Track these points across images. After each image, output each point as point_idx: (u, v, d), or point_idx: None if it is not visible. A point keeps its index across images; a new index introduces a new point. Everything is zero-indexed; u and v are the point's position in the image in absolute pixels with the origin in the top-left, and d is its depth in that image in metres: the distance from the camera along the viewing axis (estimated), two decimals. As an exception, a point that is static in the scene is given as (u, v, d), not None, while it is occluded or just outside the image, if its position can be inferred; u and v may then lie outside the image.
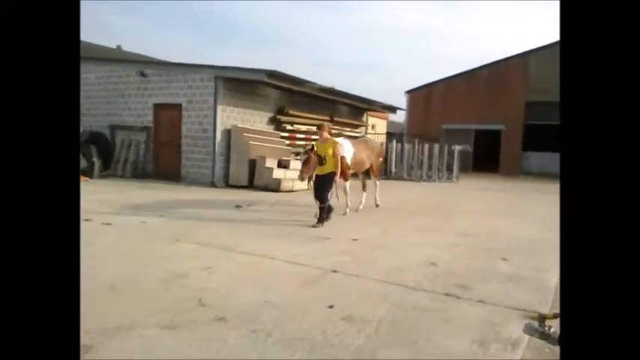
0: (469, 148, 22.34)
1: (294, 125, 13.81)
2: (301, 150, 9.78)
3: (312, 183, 7.07)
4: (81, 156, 12.10)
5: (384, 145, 17.44)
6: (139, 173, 12.56)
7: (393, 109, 19.72)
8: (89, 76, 13.70)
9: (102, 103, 13.43)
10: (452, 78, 25.10)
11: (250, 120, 12.47)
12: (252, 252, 4.98)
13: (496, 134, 23.35)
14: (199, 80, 11.69)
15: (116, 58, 17.25)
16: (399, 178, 16.57)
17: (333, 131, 14.99)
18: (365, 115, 19.38)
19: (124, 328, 2.90)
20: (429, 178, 16.52)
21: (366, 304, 3.47)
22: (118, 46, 23.59)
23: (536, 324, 2.40)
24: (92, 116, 13.46)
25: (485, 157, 23.51)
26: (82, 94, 13.81)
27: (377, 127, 26.22)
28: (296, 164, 10.25)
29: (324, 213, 6.69)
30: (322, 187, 6.78)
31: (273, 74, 11.10)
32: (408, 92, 26.12)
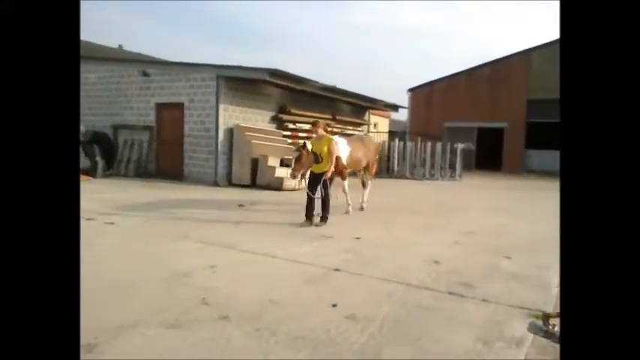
0: (472, 146, 22.30)
1: (296, 124, 13.80)
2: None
3: (305, 181, 6.92)
4: (84, 156, 12.15)
5: (387, 144, 17.44)
6: (142, 172, 12.58)
7: (395, 108, 19.70)
8: (91, 75, 13.73)
9: (104, 102, 13.46)
10: (454, 76, 25.05)
11: (252, 119, 12.48)
12: (255, 250, 4.99)
13: (499, 132, 23.29)
14: (201, 79, 11.69)
15: (118, 57, 17.26)
16: (401, 176, 16.55)
17: (336, 130, 15.04)
18: (367, 113, 19.35)
19: (128, 326, 2.90)
20: (432, 177, 16.49)
21: (369, 303, 3.47)
22: (120, 46, 23.63)
23: (540, 323, 2.41)
24: (95, 116, 13.49)
25: (488, 155, 23.46)
26: (84, 93, 13.85)
27: (379, 125, 26.16)
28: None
29: (312, 207, 6.51)
30: (315, 183, 6.63)
31: (275, 73, 11.09)
32: (410, 90, 26.08)
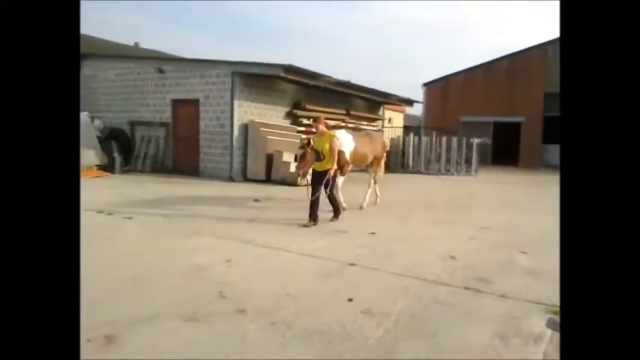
0: (488, 140, 22.05)
1: (311, 119, 13.78)
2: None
3: (307, 179, 6.59)
4: (102, 152, 12.35)
5: (401, 139, 17.33)
6: (159, 168, 12.74)
7: (409, 102, 19.56)
8: (108, 73, 13.93)
9: (121, 99, 13.64)
10: (470, 70, 24.72)
11: (267, 115, 12.52)
12: (271, 245, 5.02)
13: (516, 127, 22.95)
14: (216, 76, 11.77)
15: (134, 55, 17.46)
16: (416, 171, 16.45)
17: (350, 125, 15.01)
18: (382, 108, 19.26)
19: (148, 319, 2.96)
20: (448, 172, 16.35)
21: (384, 298, 3.47)
22: (136, 43, 23.89)
23: (559, 319, 2.38)
24: (112, 112, 13.69)
25: (505, 150, 23.15)
26: (102, 91, 14.08)
27: (394, 120, 26.02)
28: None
29: (316, 207, 6.26)
30: (317, 182, 6.33)
31: (289, 69, 11.10)
32: (425, 85, 25.84)
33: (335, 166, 6.36)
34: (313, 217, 6.24)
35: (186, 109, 12.40)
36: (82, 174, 11.30)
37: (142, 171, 12.70)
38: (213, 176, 11.83)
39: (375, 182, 8.33)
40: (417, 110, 26.98)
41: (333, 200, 6.52)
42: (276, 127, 12.20)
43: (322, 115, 7.14)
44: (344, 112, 15.46)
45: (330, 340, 2.74)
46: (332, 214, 6.53)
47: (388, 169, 16.87)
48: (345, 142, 7.14)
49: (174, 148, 12.80)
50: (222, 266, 4.20)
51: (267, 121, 12.21)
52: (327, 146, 6.29)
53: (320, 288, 3.71)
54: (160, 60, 14.18)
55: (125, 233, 5.48)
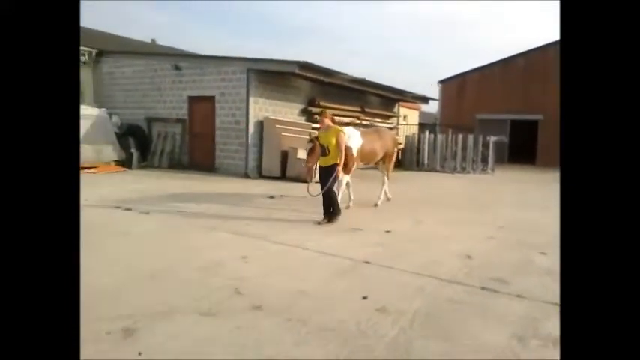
0: (505, 139, 21.76)
1: (325, 116, 13.78)
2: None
3: (316, 174, 6.49)
4: (120, 148, 12.52)
5: (417, 136, 17.21)
6: (175, 164, 12.87)
7: (425, 100, 19.41)
8: (126, 70, 14.10)
9: (139, 96, 13.80)
10: (487, 67, 24.43)
11: (282, 111, 12.55)
12: (286, 242, 5.04)
13: (533, 125, 22.61)
14: (232, 73, 11.82)
15: (151, 52, 17.63)
16: (431, 169, 16.32)
17: (365, 122, 14.95)
18: (397, 105, 19.15)
19: (165, 313, 3.00)
20: (463, 170, 16.19)
21: (400, 296, 3.46)
22: (153, 40, 24.10)
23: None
24: (129, 109, 13.86)
25: (522, 149, 22.83)
26: (120, 87, 14.25)
27: (409, 117, 25.87)
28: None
29: (335, 205, 6.18)
30: (325, 178, 6.18)
31: (304, 65, 11.10)
32: (441, 82, 25.62)
33: (342, 162, 6.15)
34: (329, 214, 6.16)
35: (202, 106, 12.50)
36: (100, 169, 11.52)
37: (159, 167, 12.86)
38: (229, 173, 11.91)
39: (388, 179, 8.23)
40: (433, 108, 26.78)
41: (333, 200, 6.18)
42: (291, 124, 12.22)
43: (328, 110, 6.87)
44: (359, 109, 15.42)
45: (346, 337, 2.74)
46: (330, 218, 6.15)
47: (403, 167, 16.83)
48: (353, 138, 7.01)
49: (191, 144, 12.92)
50: (237, 262, 4.23)
51: (282, 118, 12.24)
52: (333, 141, 6.13)
53: (335, 285, 3.71)
54: (177, 57, 14.30)
55: (142, 229, 5.55)
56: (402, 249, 4.94)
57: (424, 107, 25.92)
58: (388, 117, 17.93)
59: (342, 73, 12.66)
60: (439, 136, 16.82)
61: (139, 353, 2.47)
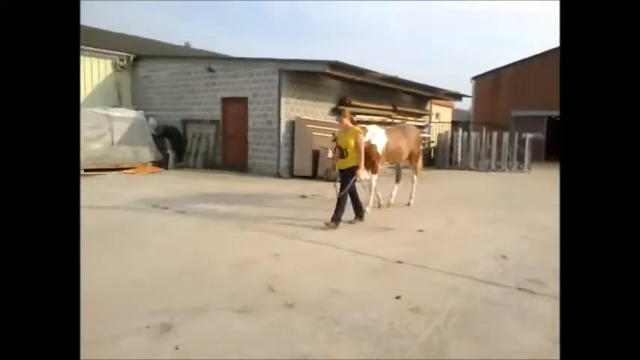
0: (541, 136, 21.10)
1: (357, 115, 13.74)
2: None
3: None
4: (156, 149, 12.90)
5: (449, 134, 16.92)
6: (209, 164, 13.14)
7: (458, 97, 19.05)
8: (161, 73, 14.50)
9: (174, 98, 14.16)
10: (522, 62, 23.74)
11: (313, 111, 12.60)
12: (318, 240, 5.07)
13: (572, 121, 21.78)
14: (264, 74, 11.97)
15: (185, 55, 18.05)
16: (465, 168, 16.02)
17: (396, 121, 14.82)
18: (429, 103, 18.89)
19: (201, 309, 3.08)
20: (498, 168, 15.81)
21: (433, 296, 3.42)
22: (186, 44, 24.66)
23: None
24: (166, 111, 14.25)
25: (560, 146, 21.97)
26: (156, 90, 14.67)
27: (441, 115, 25.45)
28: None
29: (358, 203, 6.04)
30: (345, 180, 5.93)
31: (335, 65, 11.11)
32: (475, 78, 25.08)
33: (362, 165, 5.86)
34: (359, 214, 6.11)
35: (235, 107, 12.71)
36: (137, 170, 11.90)
37: (194, 167, 13.16)
38: (261, 172, 12.06)
39: (398, 181, 7.91)
40: (466, 105, 26.26)
41: (340, 203, 5.86)
42: (322, 124, 12.25)
43: (347, 109, 6.67)
44: (390, 107, 15.30)
45: (379, 336, 2.74)
46: (332, 219, 5.84)
47: (436, 165, 16.59)
48: (377, 136, 6.83)
49: (224, 145, 13.16)
50: (270, 260, 4.29)
51: (313, 118, 12.29)
52: (351, 142, 5.86)
53: (367, 285, 3.71)
54: (210, 59, 14.58)
55: (179, 227, 5.70)
56: (435, 248, 4.88)
57: (457, 104, 25.45)
58: (420, 115, 17.71)
59: (373, 72, 12.60)
60: (472, 134, 16.48)
61: (176, 347, 2.55)
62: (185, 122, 13.86)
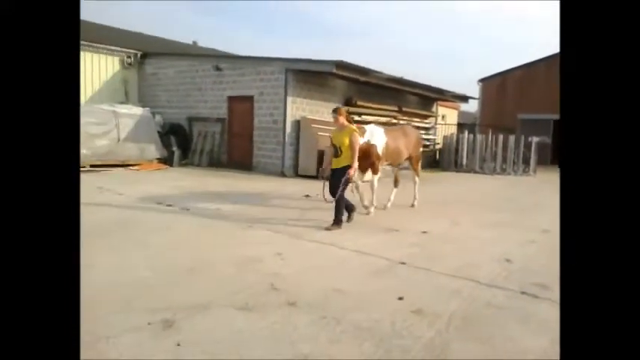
0: (547, 139, 20.97)
1: (362, 116, 13.74)
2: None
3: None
4: (162, 146, 12.94)
5: (455, 136, 16.87)
6: (215, 162, 13.17)
7: (464, 99, 19.00)
8: (169, 71, 14.55)
9: (181, 96, 14.21)
10: (529, 65, 23.60)
11: (318, 111, 12.60)
12: (321, 240, 5.07)
13: (579, 125, 21.64)
14: (270, 73, 11.98)
15: (193, 53, 18.11)
16: (470, 170, 15.96)
17: (402, 122, 14.79)
18: (435, 105, 18.84)
19: (203, 306, 3.08)
20: (504, 171, 15.74)
21: (436, 298, 3.41)
22: (194, 42, 24.72)
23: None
24: (172, 108, 14.30)
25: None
26: (162, 87, 14.71)
27: (447, 117, 25.37)
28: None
29: (340, 212, 5.73)
30: (336, 181, 5.73)
31: (341, 65, 11.11)
32: (481, 81, 24.97)
33: (356, 165, 5.68)
34: (337, 219, 5.71)
35: (241, 106, 12.73)
36: (143, 167, 11.94)
37: (199, 165, 13.19)
38: (266, 171, 12.08)
39: (396, 185, 7.69)
40: (473, 107, 26.16)
41: (339, 205, 5.72)
42: (327, 124, 12.23)
43: (342, 108, 6.44)
44: (396, 108, 15.27)
45: (381, 337, 2.73)
46: (334, 222, 5.71)
47: (441, 167, 16.55)
48: (377, 136, 6.67)
49: (229, 143, 13.18)
50: (273, 259, 4.28)
51: (318, 118, 12.29)
52: (346, 141, 5.69)
53: (370, 285, 3.70)
54: (217, 58, 14.61)
55: (183, 224, 5.72)
56: (439, 250, 4.86)
57: (463, 106, 25.36)
58: (426, 116, 17.67)
59: (379, 72, 12.58)
60: (478, 136, 16.41)
61: (178, 344, 2.56)
62: (191, 120, 13.90)
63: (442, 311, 3.14)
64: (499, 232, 6.00)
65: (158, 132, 13.16)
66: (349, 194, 6.12)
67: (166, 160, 12.83)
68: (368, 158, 6.53)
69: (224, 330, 2.77)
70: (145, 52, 15.28)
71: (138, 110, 12.96)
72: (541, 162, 17.39)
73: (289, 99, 11.73)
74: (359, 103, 13.58)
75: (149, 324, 2.79)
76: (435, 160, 17.64)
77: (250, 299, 3.24)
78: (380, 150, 6.67)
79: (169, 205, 6.80)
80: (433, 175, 14.15)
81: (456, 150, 16.59)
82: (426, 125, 17.48)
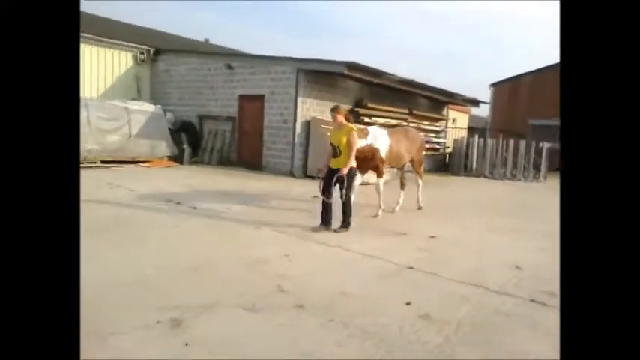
0: (558, 146, 20.77)
1: (372, 118, 13.71)
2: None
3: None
4: (173, 143, 13.02)
5: (465, 140, 16.77)
6: (224, 161, 13.21)
7: (475, 103, 18.87)
8: (180, 68, 14.62)
9: (192, 94, 14.27)
10: (542, 70, 23.34)
11: (329, 112, 12.57)
12: (328, 242, 5.06)
13: (591, 131, 21.41)
14: (281, 72, 11.99)
15: (205, 51, 18.18)
16: (479, 175, 15.84)
17: (412, 125, 14.74)
18: (446, 108, 18.75)
19: (210, 306, 3.09)
20: (514, 177, 15.61)
21: (444, 304, 3.39)
22: (206, 40, 24.83)
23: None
24: (183, 106, 14.36)
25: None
26: (174, 85, 14.78)
27: (458, 121, 25.23)
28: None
29: (329, 213, 5.62)
30: (330, 180, 5.57)
31: (352, 66, 11.08)
32: (493, 85, 24.81)
33: (350, 165, 5.48)
34: (325, 221, 5.63)
35: (252, 105, 12.76)
36: (153, 164, 12.01)
37: (209, 163, 13.24)
38: (275, 171, 12.09)
39: (403, 188, 7.56)
40: (484, 111, 25.99)
41: (346, 206, 5.61)
42: (337, 125, 12.23)
43: (341, 106, 6.15)
44: (406, 111, 15.22)
45: (388, 341, 2.71)
46: (342, 224, 5.65)
47: (450, 171, 16.46)
48: (380, 139, 6.54)
49: (239, 142, 13.22)
50: (280, 260, 4.29)
51: (328, 119, 12.27)
52: (344, 140, 5.54)
53: (377, 289, 3.69)
54: (229, 56, 14.65)
55: (190, 223, 5.74)
56: (447, 255, 4.83)
57: (474, 111, 25.24)
58: (437, 120, 17.58)
59: (391, 74, 12.54)
60: (489, 141, 16.29)
61: (186, 344, 2.56)
62: (202, 118, 13.96)
63: (450, 317, 3.12)
64: (509, 238, 5.95)
65: (169, 129, 13.24)
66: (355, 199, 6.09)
67: (177, 158, 12.90)
68: (371, 161, 6.46)
69: (232, 330, 2.78)
70: (157, 49, 15.37)
71: (150, 107, 13.05)
72: (552, 168, 17.22)
73: (300, 99, 11.73)
74: (370, 104, 13.55)
75: (158, 322, 2.80)
76: (445, 163, 17.54)
77: (257, 300, 3.24)
78: (384, 153, 6.59)
79: (178, 204, 6.83)
80: (442, 179, 14.08)
81: (466, 154, 16.48)
82: (437, 128, 17.40)
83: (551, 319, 3.23)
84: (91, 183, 8.32)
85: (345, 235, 5.43)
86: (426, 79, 14.41)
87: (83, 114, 11.26)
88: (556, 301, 3.57)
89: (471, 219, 7.20)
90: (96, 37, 13.91)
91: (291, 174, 11.76)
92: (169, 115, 13.76)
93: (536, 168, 15.74)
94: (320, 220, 5.69)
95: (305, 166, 11.98)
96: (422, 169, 7.96)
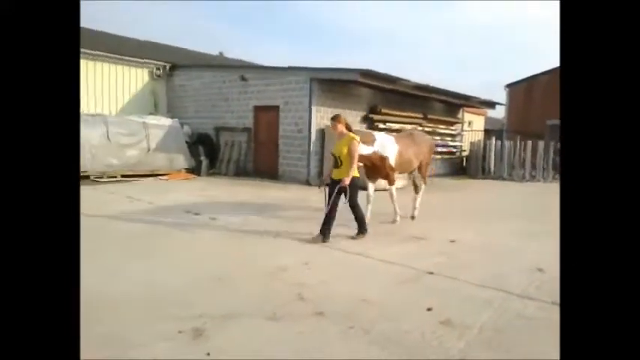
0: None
1: (387, 124, 13.70)
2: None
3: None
4: (190, 156, 13.22)
5: (482, 143, 16.61)
6: (241, 171, 13.34)
7: (491, 105, 18.69)
8: (196, 82, 14.87)
9: (208, 106, 14.48)
10: (556, 70, 23.00)
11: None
12: (347, 249, 5.06)
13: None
14: (295, 82, 12.10)
15: (219, 64, 18.46)
16: (498, 177, 15.66)
17: (427, 129, 14.66)
18: (461, 111, 18.61)
19: (232, 316, 3.12)
20: (533, 178, 15.38)
21: (465, 309, 3.36)
22: (220, 53, 25.19)
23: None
24: (199, 119, 14.58)
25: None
26: (190, 99, 15.03)
27: (474, 123, 25.00)
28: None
29: (328, 224, 5.43)
30: (332, 192, 5.45)
31: (366, 73, 11.12)
32: (508, 86, 24.51)
33: (352, 175, 5.31)
34: (323, 232, 5.43)
35: (266, 115, 12.88)
36: (171, 176, 12.20)
37: (226, 174, 13.38)
38: (291, 180, 12.15)
39: (417, 191, 7.35)
40: (500, 113, 25.68)
41: (357, 214, 5.59)
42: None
43: (342, 114, 5.99)
44: (421, 115, 15.16)
45: (409, 348, 2.71)
46: (358, 232, 5.64)
47: (468, 174, 16.30)
48: (389, 147, 6.40)
49: (256, 152, 13.34)
50: (300, 268, 4.31)
51: (343, 126, 12.30)
52: (344, 151, 5.38)
53: (397, 295, 3.68)
54: (243, 68, 14.85)
55: (210, 233, 5.81)
56: (468, 260, 4.79)
57: (490, 113, 24.96)
58: (452, 123, 17.46)
59: (405, 80, 12.53)
60: (506, 143, 16.11)
61: (207, 354, 2.60)
62: (218, 130, 14.14)
63: (472, 323, 3.09)
64: (530, 240, 5.86)
65: (186, 142, 13.45)
66: (363, 204, 6.08)
67: (194, 170, 13.08)
68: (382, 170, 6.39)
69: (253, 339, 2.80)
70: (173, 64, 15.68)
71: (167, 121, 13.29)
72: (572, 168, 16.89)
73: (314, 108, 11.81)
74: (384, 111, 13.55)
75: (180, 332, 2.85)
76: (462, 167, 17.39)
77: (278, 309, 3.27)
78: (393, 161, 6.48)
79: (197, 214, 6.92)
80: (460, 183, 13.96)
81: (484, 157, 16.32)
82: (452, 132, 17.28)
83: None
84: (112, 198, 8.50)
85: (364, 242, 5.43)
86: (440, 82, 14.33)
87: (103, 130, 11.58)
88: (580, 304, 3.51)
89: (491, 222, 7.12)
90: (112, 55, 14.28)
91: (307, 182, 11.80)
92: (186, 128, 13.98)
93: (556, 168, 15.48)
94: (320, 230, 5.48)
95: (321, 174, 12.01)
96: (427, 172, 7.63)
